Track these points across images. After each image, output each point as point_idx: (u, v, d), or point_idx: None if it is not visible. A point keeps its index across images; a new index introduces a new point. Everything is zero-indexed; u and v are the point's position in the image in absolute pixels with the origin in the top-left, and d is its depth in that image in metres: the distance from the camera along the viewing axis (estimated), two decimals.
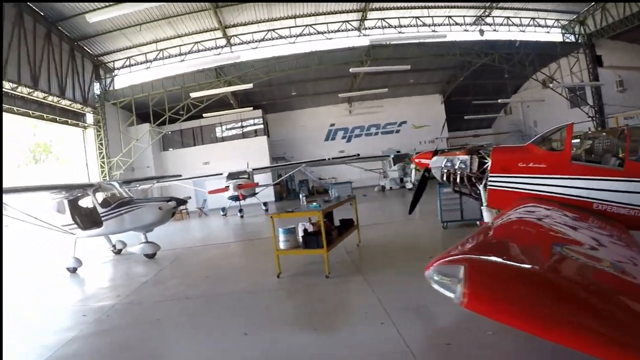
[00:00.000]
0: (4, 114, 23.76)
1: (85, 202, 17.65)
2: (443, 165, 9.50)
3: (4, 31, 23.26)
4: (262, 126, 41.15)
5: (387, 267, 10.53)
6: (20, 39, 24.97)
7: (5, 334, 8.46)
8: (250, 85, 30.33)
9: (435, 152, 10.00)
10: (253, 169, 29.86)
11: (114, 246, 18.20)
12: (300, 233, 10.70)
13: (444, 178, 9.63)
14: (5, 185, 13.90)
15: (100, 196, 16.05)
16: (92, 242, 17.64)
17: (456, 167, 9.23)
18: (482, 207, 8.92)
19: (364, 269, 10.56)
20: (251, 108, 38.50)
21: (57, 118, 30.33)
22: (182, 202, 16.31)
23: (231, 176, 28.61)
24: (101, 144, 33.83)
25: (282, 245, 10.56)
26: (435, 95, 45.25)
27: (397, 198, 29.14)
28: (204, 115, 35.40)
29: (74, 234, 15.75)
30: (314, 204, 11.29)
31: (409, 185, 31.97)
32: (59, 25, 28.60)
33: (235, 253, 16.49)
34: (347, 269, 10.74)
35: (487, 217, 8.75)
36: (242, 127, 41.51)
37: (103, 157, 33.60)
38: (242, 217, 26.97)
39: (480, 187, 9.01)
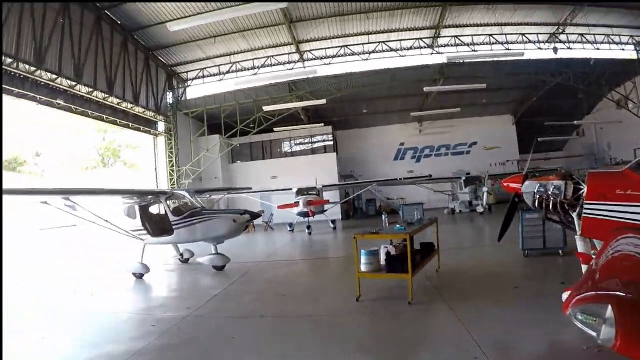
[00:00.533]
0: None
1: (156, 209, 17.74)
2: (536, 191, 8.82)
3: (82, 37, 24.39)
4: (331, 143, 40.66)
5: (472, 295, 9.94)
6: (98, 46, 25.82)
7: (72, 339, 8.58)
8: (323, 101, 30.09)
9: (526, 177, 9.35)
10: (323, 186, 29.45)
11: (181, 255, 18.15)
12: (383, 256, 10.20)
13: (536, 204, 8.96)
14: (78, 186, 14.20)
15: (172, 204, 16.12)
16: (158, 249, 17.68)
17: (549, 192, 8.55)
18: (576, 237, 8.22)
19: (447, 296, 9.92)
20: (322, 124, 38.21)
21: (130, 124, 30.95)
22: (256, 215, 16.08)
23: (300, 192, 28.34)
24: (171, 152, 34.23)
25: (364, 268, 10.07)
26: (506, 116, 43.79)
27: (468, 222, 28.17)
28: (275, 129, 35.35)
29: (143, 240, 15.82)
30: (398, 226, 10.78)
31: (480, 209, 30.73)
32: (135, 34, 29.28)
33: (308, 272, 16.05)
34: (429, 296, 10.11)
35: (581, 247, 8.04)
36: (311, 143, 41.14)
37: (173, 165, 33.95)
38: (310, 234, 26.46)
39: (574, 215, 8.31)
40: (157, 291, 13.84)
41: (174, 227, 15.39)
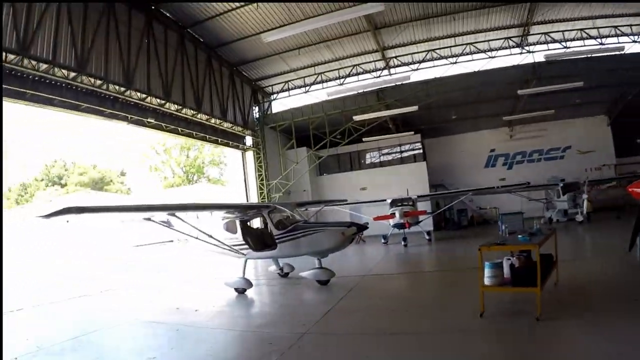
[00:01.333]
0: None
1: (255, 223, 17.45)
2: None
3: (168, 55, 25.04)
4: (421, 151, 39.63)
5: (605, 310, 8.89)
6: (183, 64, 26.29)
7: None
8: (415, 108, 29.05)
9: None
10: (418, 196, 28.57)
11: (281, 269, 17.87)
12: (507, 268, 9.52)
13: None
14: (180, 202, 14.19)
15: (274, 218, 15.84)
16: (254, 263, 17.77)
17: None
18: None
19: (575, 311, 9.06)
20: (412, 132, 37.17)
21: (219, 139, 31.37)
22: (362, 227, 15.60)
23: (395, 203, 27.49)
24: (260, 166, 34.35)
25: (487, 281, 9.39)
26: (600, 116, 41.02)
27: (566, 231, 26.17)
28: (364, 139, 34.67)
29: (245, 254, 15.61)
30: (521, 236, 9.99)
31: (579, 218, 28.79)
32: (218, 50, 29.54)
33: (417, 286, 15.30)
34: (557, 311, 9.10)
35: None
36: (400, 152, 40.23)
37: (262, 179, 33.98)
38: (405, 246, 25.61)
39: None
40: (263, 307, 13.70)
41: (277, 241, 15.12)
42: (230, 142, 32.68)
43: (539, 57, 31.31)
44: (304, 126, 34.41)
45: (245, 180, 34.61)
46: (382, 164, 40.45)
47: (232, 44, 28.81)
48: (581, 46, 31.03)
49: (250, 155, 34.80)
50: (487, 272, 9.39)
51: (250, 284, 15.08)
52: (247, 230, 16.25)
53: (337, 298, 12.80)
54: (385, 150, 40.49)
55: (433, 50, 32.23)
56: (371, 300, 12.57)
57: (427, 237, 27.61)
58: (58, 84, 19.32)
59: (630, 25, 31.10)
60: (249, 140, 34.69)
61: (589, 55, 29.64)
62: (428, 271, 18.11)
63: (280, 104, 36.69)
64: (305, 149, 35.43)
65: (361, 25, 28.00)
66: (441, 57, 32.61)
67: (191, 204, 14.81)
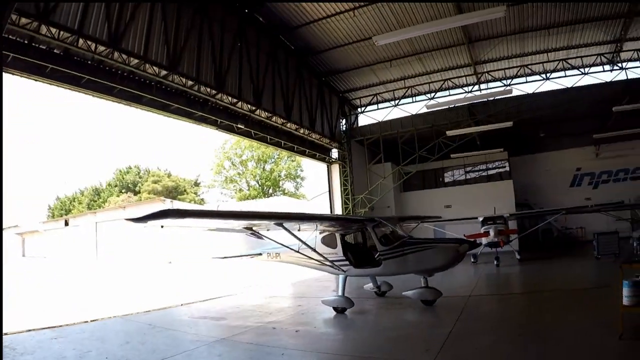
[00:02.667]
0: None
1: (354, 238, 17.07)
2: None
3: (259, 61, 25.00)
4: (507, 169, 38.95)
5: None
6: (274, 71, 26.23)
7: None
8: (509, 124, 28.49)
9: None
10: (510, 214, 28.05)
11: (378, 287, 17.12)
12: None
13: None
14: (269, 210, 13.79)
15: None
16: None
17: None
18: None
19: None
20: (501, 149, 36.13)
21: (307, 150, 31.27)
22: (474, 245, 14.84)
23: (486, 221, 27.07)
24: (346, 180, 34.21)
25: (627, 301, 8.93)
26: None
27: None
28: (452, 155, 33.99)
29: (344, 271, 14.85)
30: None
31: None
32: (309, 59, 29.58)
33: (533, 306, 14.17)
34: None
35: None
36: (486, 169, 39.71)
37: (347, 194, 33.86)
38: (498, 265, 24.89)
39: None
40: (372, 328, 12.81)
41: (381, 257, 14.33)
42: (317, 154, 32.69)
43: (631, 74, 31.11)
44: (391, 140, 34.22)
45: (330, 194, 34.50)
46: (467, 182, 40.07)
47: (323, 53, 28.92)
48: None
49: (336, 168, 34.73)
50: (627, 291, 8.98)
51: (351, 303, 14.25)
52: (348, 245, 15.73)
53: (451, 320, 12.19)
54: (470, 168, 40.00)
55: (525, 65, 31.88)
56: (490, 323, 12.08)
57: (518, 257, 26.87)
58: (148, 81, 19.45)
59: None
60: (334, 153, 34.61)
61: None
62: (536, 291, 17.11)
63: (368, 118, 36.75)
64: (390, 164, 35.29)
65: (457, 37, 27.82)
66: (533, 73, 32.30)
67: (299, 214, 14.41)
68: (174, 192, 68.37)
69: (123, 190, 72.04)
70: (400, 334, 11.34)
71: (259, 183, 64.01)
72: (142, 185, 71.54)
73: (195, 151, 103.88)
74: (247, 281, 25.23)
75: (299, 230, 14.54)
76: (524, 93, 32.65)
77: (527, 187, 39.26)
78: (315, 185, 36.64)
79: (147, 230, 35.65)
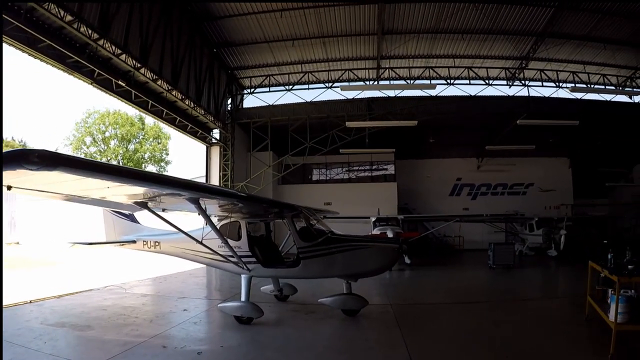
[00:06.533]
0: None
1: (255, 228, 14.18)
2: None
3: (152, 15, 21.10)
4: (393, 171, 38.32)
5: None
6: (166, 29, 22.52)
7: None
8: (414, 122, 26.83)
9: None
10: (405, 216, 26.51)
11: (279, 290, 14.21)
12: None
13: None
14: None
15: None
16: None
17: None
18: None
19: None
20: (393, 150, 35.27)
21: (189, 126, 27.85)
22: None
23: (379, 222, 25.19)
24: (226, 165, 31.09)
25: (621, 318, 8.25)
26: (562, 158, 40.64)
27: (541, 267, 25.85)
28: (341, 150, 31.98)
29: (250, 270, 11.82)
30: None
31: (552, 253, 28.81)
32: (204, 25, 26.28)
33: (478, 319, 12.08)
34: None
35: None
36: (371, 169, 38.94)
37: (227, 180, 30.70)
38: (391, 270, 22.65)
39: None
40: (299, 349, 9.43)
41: (301, 255, 11.55)
42: (199, 132, 29.21)
43: (532, 92, 31.74)
44: (278, 128, 31.79)
45: (207, 179, 31.19)
46: (350, 180, 39.20)
47: (221, 20, 25.70)
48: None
49: (216, 151, 31.51)
50: (621, 307, 8.24)
51: (260, 311, 11.31)
52: (255, 238, 12.66)
53: (395, 335, 10.01)
54: (356, 166, 38.97)
55: (431, 67, 30.89)
56: (447, 338, 9.99)
57: (408, 262, 25.25)
58: (15, 6, 14.88)
59: (617, 76, 32.44)
60: (216, 134, 31.48)
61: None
62: (460, 302, 14.59)
63: (257, 100, 33.93)
64: (271, 154, 33.26)
65: (370, 26, 26.03)
66: (439, 77, 31.42)
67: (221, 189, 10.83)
68: None
69: None
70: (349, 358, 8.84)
71: (120, 163, 58.44)
72: None
73: (55, 122, 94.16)
74: (104, 272, 21.75)
75: (205, 210, 10.15)
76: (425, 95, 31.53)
77: (408, 192, 38.91)
78: (184, 171, 33.23)
79: None
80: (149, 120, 54.38)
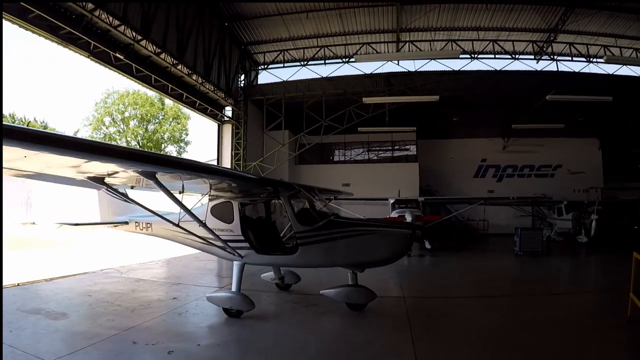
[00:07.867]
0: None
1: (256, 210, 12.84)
2: None
3: None
4: (414, 152, 37.09)
5: None
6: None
7: None
8: (435, 97, 25.68)
9: None
10: (425, 198, 25.15)
11: (281, 279, 12.94)
12: None
13: None
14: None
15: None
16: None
17: None
18: None
19: None
20: (413, 129, 33.26)
21: (198, 102, 26.43)
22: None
23: (398, 204, 23.85)
24: (239, 144, 30.09)
25: None
26: (592, 139, 38.72)
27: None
28: (359, 129, 30.71)
29: (242, 256, 10.47)
30: None
31: (582, 239, 26.77)
32: None
33: (503, 314, 10.90)
34: None
35: None
36: (392, 149, 37.72)
37: (239, 159, 29.67)
38: (409, 256, 20.96)
39: None
40: (287, 350, 8.06)
41: (299, 241, 10.15)
42: (209, 109, 27.95)
43: (561, 67, 30.38)
44: (293, 105, 30.70)
45: (218, 158, 30.14)
46: (370, 160, 37.99)
47: None
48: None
49: (228, 129, 30.40)
50: None
51: (251, 304, 10.03)
52: (249, 221, 11.32)
53: (405, 338, 8.56)
54: (376, 146, 37.78)
55: (453, 40, 29.23)
56: (467, 345, 8.39)
57: (428, 247, 23.94)
58: None
59: None
60: (228, 112, 30.30)
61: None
62: (482, 296, 12.91)
63: (271, 76, 32.65)
64: (288, 132, 32.02)
65: None
66: (462, 51, 29.57)
67: (183, 161, 8.57)
68: None
69: None
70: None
71: (140, 144, 57.62)
72: None
73: (77, 104, 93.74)
74: (113, 254, 20.92)
75: (180, 192, 9.21)
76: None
77: (430, 173, 37.69)
78: (203, 152, 32.14)
79: None
80: (169, 101, 53.59)
